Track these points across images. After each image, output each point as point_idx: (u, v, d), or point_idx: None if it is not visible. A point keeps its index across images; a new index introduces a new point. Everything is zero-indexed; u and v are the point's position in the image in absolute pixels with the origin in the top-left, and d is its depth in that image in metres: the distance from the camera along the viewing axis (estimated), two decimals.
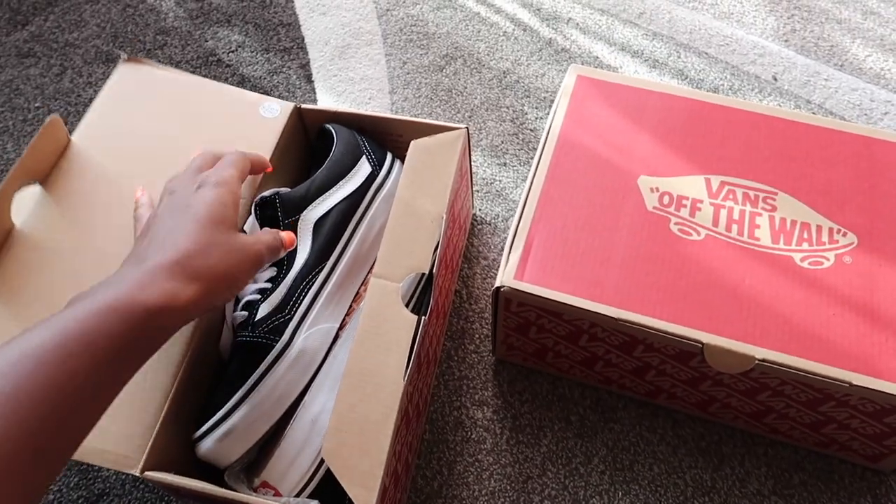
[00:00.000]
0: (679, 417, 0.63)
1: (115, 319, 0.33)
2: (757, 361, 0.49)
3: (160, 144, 0.59)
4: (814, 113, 0.84)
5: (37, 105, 0.88)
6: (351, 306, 0.62)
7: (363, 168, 0.61)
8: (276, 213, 0.55)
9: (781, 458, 0.61)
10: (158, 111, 0.61)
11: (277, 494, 0.54)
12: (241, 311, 0.53)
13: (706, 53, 0.90)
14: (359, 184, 0.60)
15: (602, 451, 0.62)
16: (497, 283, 0.53)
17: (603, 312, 0.51)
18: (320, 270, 0.55)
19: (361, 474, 0.46)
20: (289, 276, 0.54)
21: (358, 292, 0.63)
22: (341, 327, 0.60)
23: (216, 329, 0.56)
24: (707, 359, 0.50)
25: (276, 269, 0.55)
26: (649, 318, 0.51)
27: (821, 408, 0.53)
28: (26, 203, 0.55)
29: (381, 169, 0.62)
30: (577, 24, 0.94)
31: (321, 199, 0.57)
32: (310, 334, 0.53)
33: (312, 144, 0.67)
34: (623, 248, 0.55)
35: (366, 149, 0.62)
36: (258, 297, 0.53)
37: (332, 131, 0.62)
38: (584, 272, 0.54)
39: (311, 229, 0.56)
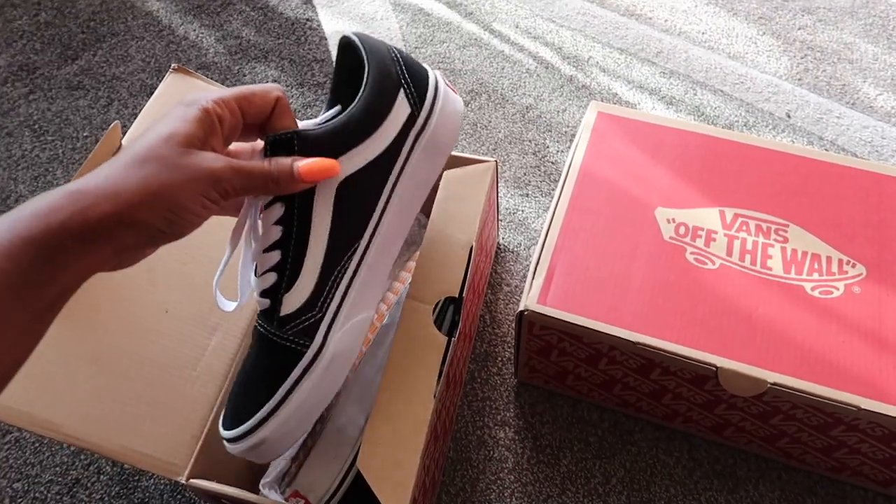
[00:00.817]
0: (695, 441, 0.66)
1: (21, 228, 0.31)
2: (769, 385, 0.51)
3: None
4: (826, 149, 0.87)
5: (85, 134, 0.93)
6: (380, 303, 0.64)
7: (401, 108, 0.48)
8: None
9: (795, 483, 0.63)
10: None
11: (307, 503, 0.57)
12: (262, 297, 0.46)
13: (721, 91, 0.94)
14: (396, 132, 0.48)
15: (620, 472, 0.64)
16: (521, 307, 0.57)
17: (621, 336, 0.54)
18: (353, 252, 0.46)
19: (394, 485, 0.49)
20: (311, 258, 0.45)
21: (395, 276, 0.65)
22: (364, 342, 0.63)
23: None
24: (721, 382, 0.53)
25: (281, 229, 0.45)
26: (666, 342, 0.54)
27: (831, 432, 0.55)
28: None
29: (421, 107, 0.49)
30: (597, 62, 0.99)
31: (349, 154, 0.45)
32: (344, 332, 0.47)
33: (336, 62, 0.51)
34: (641, 276, 0.58)
35: (403, 77, 0.49)
36: (274, 277, 0.45)
37: (362, 47, 0.48)
38: (604, 298, 0.57)
39: (334, 194, 0.45)
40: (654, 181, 0.64)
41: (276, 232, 0.44)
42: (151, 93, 0.98)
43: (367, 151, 0.46)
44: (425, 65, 0.52)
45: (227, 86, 0.98)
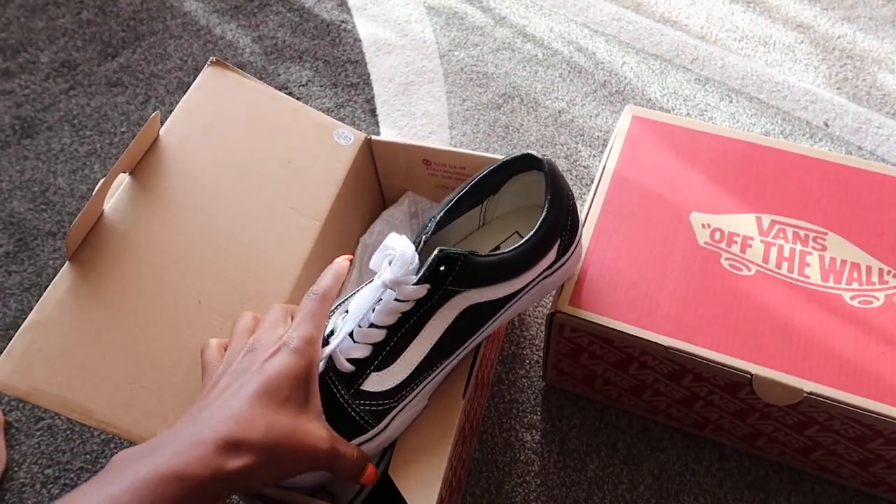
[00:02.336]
0: (725, 451, 0.65)
1: (162, 490, 0.33)
2: (806, 395, 0.50)
3: (237, 149, 0.62)
4: (865, 159, 0.85)
5: (122, 130, 0.95)
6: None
7: (550, 255, 0.49)
8: (449, 275, 0.44)
9: (829, 497, 0.62)
10: (239, 116, 0.65)
11: (333, 501, 0.57)
12: (348, 361, 0.46)
13: (758, 99, 0.93)
14: (535, 276, 0.49)
15: (648, 479, 0.63)
16: (552, 309, 0.56)
17: (654, 340, 0.53)
18: (444, 365, 0.48)
19: (421, 484, 0.48)
20: (411, 354, 0.46)
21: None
22: None
23: None
24: (756, 390, 0.52)
25: (398, 317, 0.46)
26: (699, 348, 0.53)
27: (869, 445, 0.54)
28: (114, 190, 0.59)
29: (563, 258, 0.51)
30: (631, 67, 0.98)
31: (495, 287, 0.47)
32: (402, 417, 0.48)
33: (506, 161, 0.54)
34: (674, 281, 0.57)
35: (566, 227, 0.50)
36: (369, 351, 0.45)
37: (547, 181, 0.50)
38: (637, 302, 0.56)
39: (456, 315, 0.46)
40: (690, 186, 0.63)
41: (392, 318, 0.45)
42: (188, 90, 0.99)
43: (507, 287, 0.48)
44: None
45: None
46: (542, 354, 0.71)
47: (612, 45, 1.01)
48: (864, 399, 0.50)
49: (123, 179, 0.57)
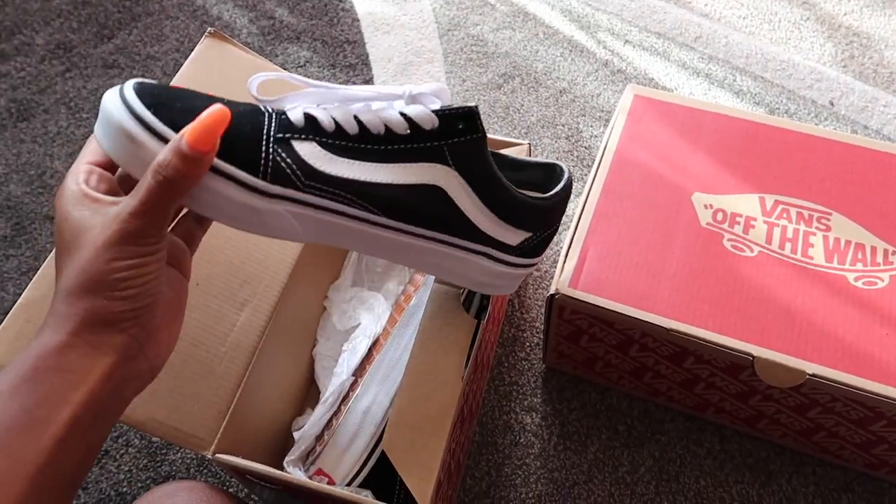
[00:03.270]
0: (726, 433, 0.64)
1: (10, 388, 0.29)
2: (808, 376, 0.50)
3: None
4: (871, 138, 0.84)
5: None
6: (399, 303, 0.65)
7: (514, 233, 0.45)
8: (459, 136, 0.39)
9: (830, 479, 0.61)
10: (237, 89, 0.63)
11: (331, 482, 0.57)
12: (301, 116, 0.38)
13: (762, 77, 0.91)
14: (491, 236, 0.44)
15: (648, 461, 0.63)
16: (551, 291, 0.56)
17: (655, 322, 0.53)
18: (367, 218, 0.40)
19: (419, 467, 0.48)
20: (359, 172, 0.38)
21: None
22: (391, 323, 0.63)
23: (287, 318, 0.59)
24: (758, 372, 0.51)
25: None
26: (701, 330, 0.52)
27: (871, 427, 0.53)
28: None
29: (519, 257, 0.47)
30: (634, 46, 0.97)
31: (476, 192, 0.42)
32: (291, 221, 0.39)
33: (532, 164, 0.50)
34: (676, 262, 0.56)
35: (546, 235, 0.48)
36: (331, 126, 0.37)
37: (567, 188, 0.47)
38: (637, 283, 0.55)
39: (430, 183, 0.40)
40: (692, 166, 0.62)
41: (379, 126, 0.38)
42: None
43: (480, 212, 0.43)
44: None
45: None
46: (542, 337, 0.71)
47: (615, 24, 1.00)
48: (867, 381, 0.49)
49: None
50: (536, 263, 0.48)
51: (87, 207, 0.32)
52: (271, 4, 1.06)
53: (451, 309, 0.54)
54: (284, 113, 0.37)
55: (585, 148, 0.86)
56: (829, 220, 0.58)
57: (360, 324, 0.65)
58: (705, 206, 0.59)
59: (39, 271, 0.49)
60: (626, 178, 0.62)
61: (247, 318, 0.56)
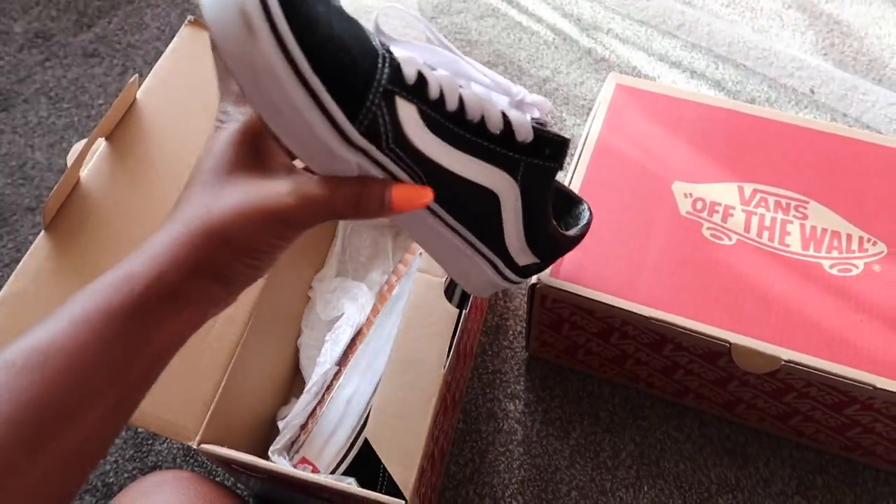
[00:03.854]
0: (706, 418, 0.65)
1: (95, 313, 0.29)
2: (783, 362, 0.51)
3: (214, 109, 0.61)
4: (850, 126, 0.85)
5: (100, 102, 0.93)
6: (381, 292, 0.65)
7: (527, 255, 0.45)
8: (541, 157, 0.38)
9: (806, 461, 0.63)
10: (215, 78, 0.63)
11: (315, 470, 0.58)
12: (415, 73, 0.33)
13: (744, 66, 0.92)
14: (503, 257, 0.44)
15: (630, 446, 0.64)
16: (533, 280, 0.56)
17: (634, 311, 0.54)
18: (441, 214, 0.40)
19: (402, 454, 0.49)
20: (454, 159, 0.36)
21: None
22: (374, 313, 0.64)
23: (271, 308, 0.59)
24: (734, 358, 0.52)
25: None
26: (679, 318, 0.53)
27: (846, 411, 0.54)
28: (90, 156, 0.57)
29: (523, 269, 0.47)
30: (617, 34, 0.97)
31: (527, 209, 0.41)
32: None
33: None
34: (656, 251, 0.57)
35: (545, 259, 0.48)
36: (437, 93, 0.34)
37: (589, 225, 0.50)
38: (618, 272, 0.56)
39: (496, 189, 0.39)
40: (672, 155, 0.63)
41: (476, 116, 0.36)
42: None
43: (514, 222, 0.42)
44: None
45: None
46: (525, 326, 0.71)
47: (598, 12, 1.00)
48: (842, 366, 0.50)
49: (100, 145, 0.56)
50: (521, 283, 0.49)
51: (249, 158, 0.32)
52: None
53: (433, 298, 0.54)
54: (398, 61, 0.32)
55: (569, 136, 0.86)
56: (806, 208, 0.59)
57: (343, 314, 0.66)
58: (685, 195, 0.60)
59: (20, 264, 0.49)
60: (608, 167, 0.62)
61: (231, 308, 0.55)
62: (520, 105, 0.37)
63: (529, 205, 0.40)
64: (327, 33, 0.29)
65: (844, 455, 0.62)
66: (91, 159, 0.55)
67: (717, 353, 0.54)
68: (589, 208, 0.50)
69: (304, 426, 0.61)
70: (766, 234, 0.57)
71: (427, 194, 0.34)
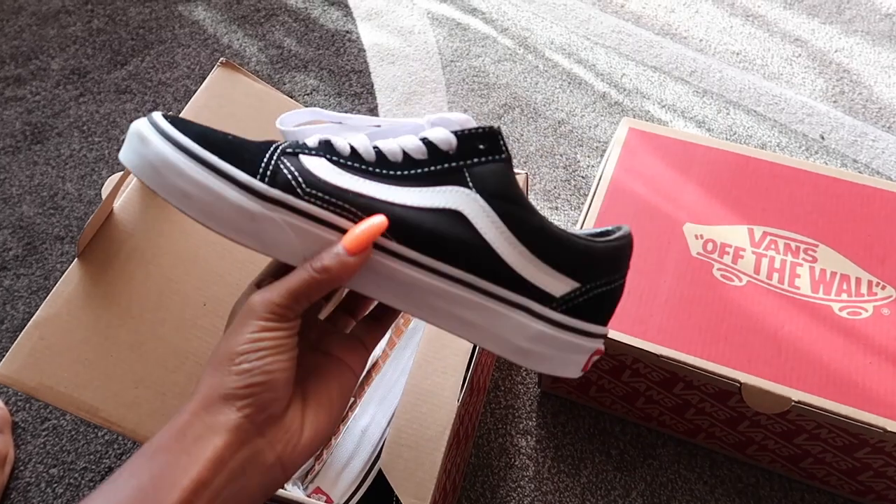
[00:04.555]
0: (717, 458, 0.66)
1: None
2: (793, 403, 0.51)
3: None
4: (860, 172, 0.87)
5: None
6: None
7: (565, 282, 0.36)
8: (480, 156, 0.35)
9: None
10: (247, 117, 0.66)
11: (329, 501, 0.58)
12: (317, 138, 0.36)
13: (755, 111, 0.94)
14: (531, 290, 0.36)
15: (640, 485, 0.64)
16: None
17: (645, 348, 0.55)
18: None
19: (415, 485, 0.50)
20: (375, 189, 0.34)
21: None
22: (390, 345, 0.65)
23: None
24: (745, 398, 0.53)
25: None
26: (690, 356, 0.54)
27: (856, 454, 0.55)
28: (124, 188, 0.60)
29: (579, 322, 0.37)
30: (631, 79, 0.99)
31: (501, 224, 0.35)
32: (291, 232, 0.35)
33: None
34: (667, 290, 0.58)
35: (609, 303, 0.38)
36: (346, 149, 0.35)
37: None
38: (629, 311, 0.57)
39: (452, 207, 0.35)
40: (684, 197, 0.64)
41: (397, 153, 0.36)
42: None
43: (509, 248, 0.36)
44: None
45: None
46: None
47: (612, 57, 1.03)
48: (851, 408, 0.51)
49: (134, 178, 0.58)
50: (602, 334, 0.37)
51: (246, 295, 0.34)
52: (280, 34, 1.10)
53: (448, 333, 0.56)
54: (301, 140, 0.34)
55: (582, 178, 0.88)
56: (815, 251, 0.60)
57: None
58: (696, 237, 0.61)
59: (54, 290, 0.51)
60: (621, 207, 0.64)
61: None
62: (435, 124, 0.36)
63: (501, 205, 0.34)
64: (221, 135, 0.33)
65: (857, 500, 0.62)
66: (125, 191, 0.57)
67: (727, 393, 0.55)
68: (624, 227, 0.40)
69: (318, 456, 0.62)
70: (776, 276, 0.58)
71: (376, 219, 0.32)
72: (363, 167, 0.34)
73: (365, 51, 1.06)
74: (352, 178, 0.34)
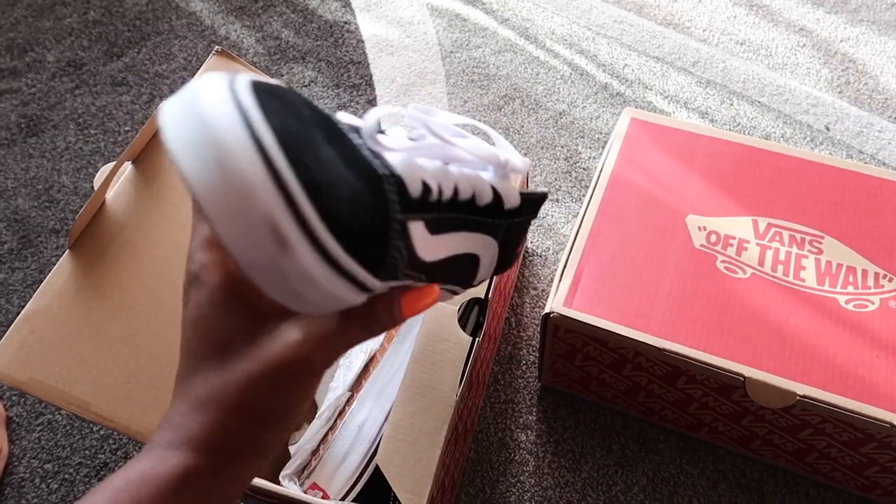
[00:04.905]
0: (720, 453, 0.65)
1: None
2: (798, 398, 0.50)
3: None
4: (866, 163, 0.85)
5: (126, 129, 0.96)
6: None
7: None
8: (519, 216, 0.36)
9: (823, 501, 0.62)
10: None
11: (325, 497, 0.58)
12: (420, 184, 0.30)
13: (759, 102, 0.93)
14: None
15: (642, 480, 0.64)
16: (547, 310, 0.56)
17: (647, 342, 0.54)
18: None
19: (413, 481, 0.49)
20: (447, 243, 0.32)
21: None
22: (388, 339, 0.64)
23: None
24: (749, 393, 0.52)
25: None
26: (693, 350, 0.53)
27: (862, 448, 0.54)
28: (117, 178, 0.59)
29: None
30: (633, 70, 0.98)
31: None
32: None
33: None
34: (670, 283, 0.57)
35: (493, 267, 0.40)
36: (438, 194, 0.30)
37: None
38: (631, 303, 0.56)
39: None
40: (686, 188, 0.63)
41: (468, 192, 0.34)
42: None
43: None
44: None
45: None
46: (538, 355, 0.71)
47: (614, 48, 1.01)
48: (857, 402, 0.50)
49: (126, 168, 0.57)
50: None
51: (241, 316, 0.27)
52: (278, 25, 1.09)
53: (446, 326, 0.55)
54: (400, 177, 0.27)
55: (584, 169, 0.87)
56: (821, 243, 0.59)
57: None
58: (699, 228, 0.60)
59: (44, 282, 0.50)
60: (622, 199, 0.63)
61: None
62: (505, 174, 0.34)
63: (503, 253, 0.37)
64: (348, 195, 0.24)
65: (863, 495, 0.61)
66: (117, 182, 0.56)
67: (731, 387, 0.54)
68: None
69: (315, 452, 0.61)
70: (780, 268, 0.57)
71: (433, 292, 0.31)
72: (440, 214, 0.30)
73: (364, 42, 1.05)
74: (433, 242, 0.30)
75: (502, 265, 0.39)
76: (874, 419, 0.49)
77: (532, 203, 0.37)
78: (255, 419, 0.27)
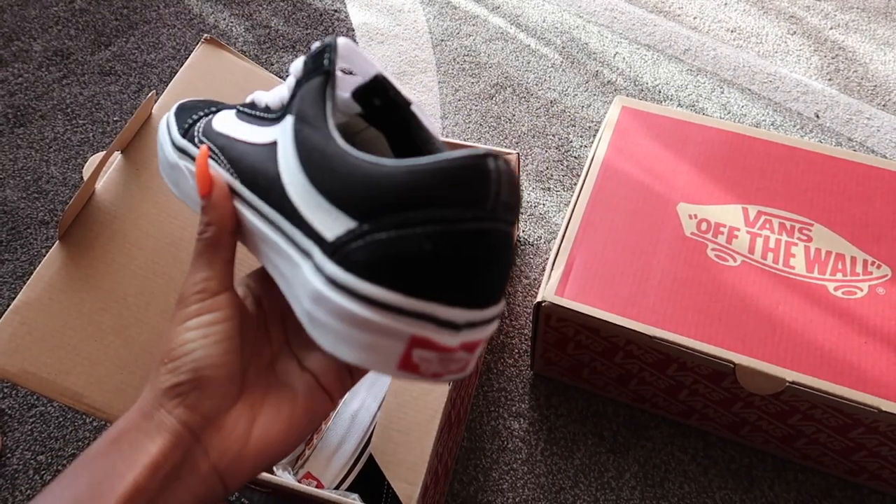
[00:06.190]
0: (710, 439, 0.65)
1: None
2: (787, 384, 0.51)
3: None
4: (855, 151, 0.86)
5: (115, 119, 0.95)
6: None
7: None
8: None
9: (812, 485, 0.62)
10: (232, 95, 0.64)
11: (319, 485, 0.58)
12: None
13: (749, 90, 0.93)
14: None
15: (634, 467, 0.64)
16: (538, 299, 0.57)
17: (638, 330, 0.54)
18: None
19: (406, 470, 0.49)
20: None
21: None
22: None
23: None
24: (739, 379, 0.52)
25: None
26: (683, 338, 0.53)
27: (850, 433, 0.54)
28: (106, 168, 0.58)
29: None
30: (624, 58, 0.98)
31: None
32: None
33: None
34: (660, 271, 0.57)
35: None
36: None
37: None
38: (623, 292, 0.56)
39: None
40: (677, 177, 0.63)
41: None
42: None
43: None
44: None
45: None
46: (529, 344, 0.72)
47: (605, 36, 1.01)
48: (845, 388, 0.50)
49: (116, 158, 0.57)
50: (413, 310, 0.23)
51: (264, 358, 0.32)
52: (267, 14, 1.08)
53: None
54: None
55: (575, 158, 0.87)
56: (810, 230, 0.59)
57: None
58: (690, 217, 0.61)
59: (34, 273, 0.50)
60: (613, 188, 0.63)
61: None
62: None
63: (300, 130, 0.27)
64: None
65: (850, 479, 0.62)
66: (107, 172, 0.56)
67: (721, 374, 0.54)
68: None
69: (308, 441, 0.61)
70: (770, 255, 0.58)
71: (199, 158, 0.31)
72: (253, 113, 0.31)
73: (354, 30, 1.05)
74: (235, 123, 0.32)
75: (308, 150, 0.27)
76: (862, 404, 0.50)
77: (311, 59, 0.29)
78: (160, 360, 0.29)
